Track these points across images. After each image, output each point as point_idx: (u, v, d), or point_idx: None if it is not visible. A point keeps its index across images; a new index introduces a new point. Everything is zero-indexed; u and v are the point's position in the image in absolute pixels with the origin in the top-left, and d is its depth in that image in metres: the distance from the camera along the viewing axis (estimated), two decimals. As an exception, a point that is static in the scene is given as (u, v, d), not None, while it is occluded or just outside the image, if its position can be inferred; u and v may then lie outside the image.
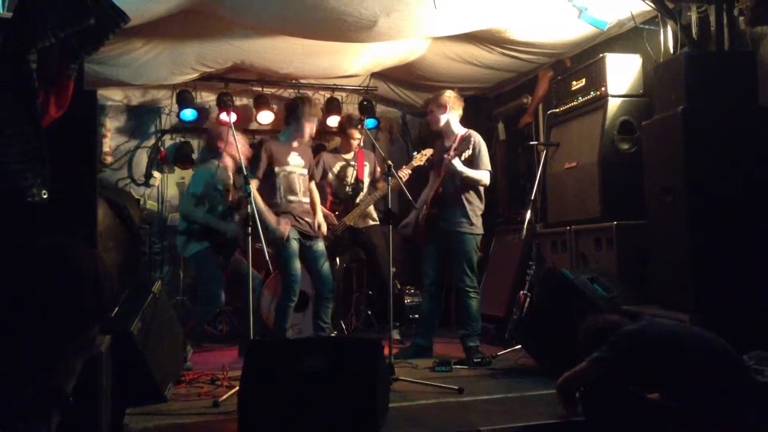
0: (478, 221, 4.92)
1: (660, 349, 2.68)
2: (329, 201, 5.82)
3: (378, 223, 5.79)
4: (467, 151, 4.74)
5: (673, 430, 2.56)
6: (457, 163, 4.71)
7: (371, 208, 5.72)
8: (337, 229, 5.54)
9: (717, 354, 2.64)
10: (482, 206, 4.98)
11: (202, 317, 5.17)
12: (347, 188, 5.68)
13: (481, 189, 4.95)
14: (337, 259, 6.04)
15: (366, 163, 5.74)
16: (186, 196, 5.17)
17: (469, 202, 4.89)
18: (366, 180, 5.72)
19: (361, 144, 5.71)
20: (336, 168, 5.72)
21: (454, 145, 4.89)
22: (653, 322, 3.01)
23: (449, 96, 5.04)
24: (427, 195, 5.08)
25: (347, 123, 5.78)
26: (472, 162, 4.83)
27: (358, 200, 5.64)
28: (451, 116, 5.02)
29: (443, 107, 5.00)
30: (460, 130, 5.03)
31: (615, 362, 2.73)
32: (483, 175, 4.86)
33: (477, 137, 4.92)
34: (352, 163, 5.73)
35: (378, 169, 5.80)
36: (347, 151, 5.80)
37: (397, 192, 5.11)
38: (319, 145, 7.22)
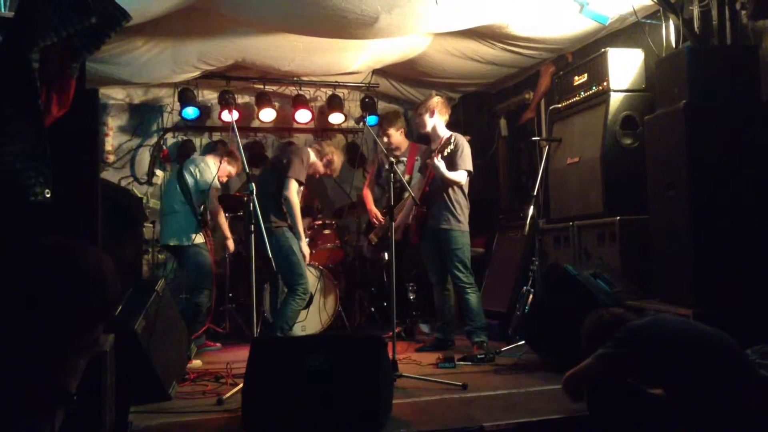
0: (464, 218, 5.03)
1: (664, 345, 2.67)
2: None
3: None
4: (449, 146, 4.87)
5: (676, 426, 2.56)
6: (439, 163, 4.83)
7: None
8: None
9: (720, 349, 2.64)
10: (467, 203, 5.08)
11: (200, 307, 5.29)
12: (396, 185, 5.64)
13: (465, 188, 5.05)
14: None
15: (417, 157, 5.63)
16: (210, 189, 5.47)
17: (454, 201, 5.01)
18: (416, 174, 5.56)
19: (391, 144, 5.64)
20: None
21: (439, 147, 4.96)
22: (658, 317, 3.01)
23: (436, 101, 5.17)
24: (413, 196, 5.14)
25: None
26: (453, 159, 4.93)
27: (405, 196, 5.49)
28: (438, 121, 5.14)
29: (431, 111, 5.12)
30: (445, 133, 5.12)
31: (620, 358, 2.72)
32: (459, 176, 4.96)
33: (460, 138, 5.05)
34: (402, 159, 5.71)
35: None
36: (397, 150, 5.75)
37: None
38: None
